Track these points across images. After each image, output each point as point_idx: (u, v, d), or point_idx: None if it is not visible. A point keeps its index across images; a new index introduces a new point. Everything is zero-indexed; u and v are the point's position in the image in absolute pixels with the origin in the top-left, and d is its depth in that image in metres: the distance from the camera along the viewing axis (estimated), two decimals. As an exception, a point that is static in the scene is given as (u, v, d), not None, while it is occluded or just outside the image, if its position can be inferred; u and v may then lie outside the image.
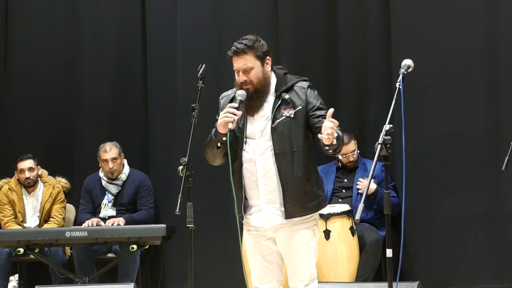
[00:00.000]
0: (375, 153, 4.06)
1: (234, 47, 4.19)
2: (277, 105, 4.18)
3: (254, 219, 4.25)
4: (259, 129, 4.19)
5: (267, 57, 4.23)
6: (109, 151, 6.96)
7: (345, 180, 6.77)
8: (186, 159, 4.30)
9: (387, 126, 4.08)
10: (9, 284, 7.04)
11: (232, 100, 4.21)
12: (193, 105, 4.45)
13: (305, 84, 4.26)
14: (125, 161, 7.09)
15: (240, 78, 4.19)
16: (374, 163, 4.05)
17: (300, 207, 4.17)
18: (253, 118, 4.21)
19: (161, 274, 7.18)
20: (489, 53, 6.63)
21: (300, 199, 4.17)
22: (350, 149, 6.73)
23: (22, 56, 7.80)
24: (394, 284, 4.18)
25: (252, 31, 6.85)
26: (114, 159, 6.95)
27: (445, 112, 6.68)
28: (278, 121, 4.16)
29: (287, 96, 4.19)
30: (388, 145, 4.07)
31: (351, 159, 6.74)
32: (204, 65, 4.57)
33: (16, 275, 7.25)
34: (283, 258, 4.29)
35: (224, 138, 4.10)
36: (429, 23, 6.77)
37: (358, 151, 6.78)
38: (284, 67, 4.37)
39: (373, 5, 7.03)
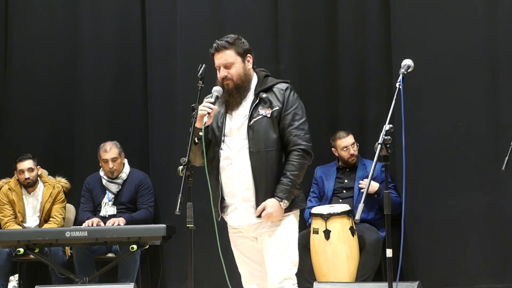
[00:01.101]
0: (375, 153, 4.06)
1: (215, 44, 4.29)
2: (255, 104, 4.23)
3: (231, 218, 4.33)
4: (236, 127, 4.25)
5: (248, 54, 4.29)
6: (109, 151, 6.95)
7: (346, 181, 6.76)
8: (186, 159, 4.29)
9: (387, 126, 4.08)
10: (9, 284, 7.03)
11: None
12: (193, 105, 4.44)
13: (284, 86, 4.30)
14: (125, 161, 7.08)
15: (221, 73, 4.26)
16: (374, 163, 4.05)
17: None
18: (231, 116, 4.28)
19: (161, 274, 7.17)
20: (489, 53, 6.62)
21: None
22: (350, 141, 6.74)
23: (22, 56, 7.79)
24: (394, 284, 4.17)
25: (252, 31, 6.91)
26: (114, 158, 6.94)
27: (445, 112, 6.68)
28: (254, 119, 4.22)
29: (264, 95, 4.25)
30: (388, 145, 4.07)
31: (352, 151, 6.73)
32: (204, 65, 4.56)
33: (16, 275, 7.25)
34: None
35: (200, 133, 4.14)
36: (429, 23, 6.77)
37: (358, 145, 6.78)
38: (266, 70, 4.40)
39: (373, 5, 7.03)
